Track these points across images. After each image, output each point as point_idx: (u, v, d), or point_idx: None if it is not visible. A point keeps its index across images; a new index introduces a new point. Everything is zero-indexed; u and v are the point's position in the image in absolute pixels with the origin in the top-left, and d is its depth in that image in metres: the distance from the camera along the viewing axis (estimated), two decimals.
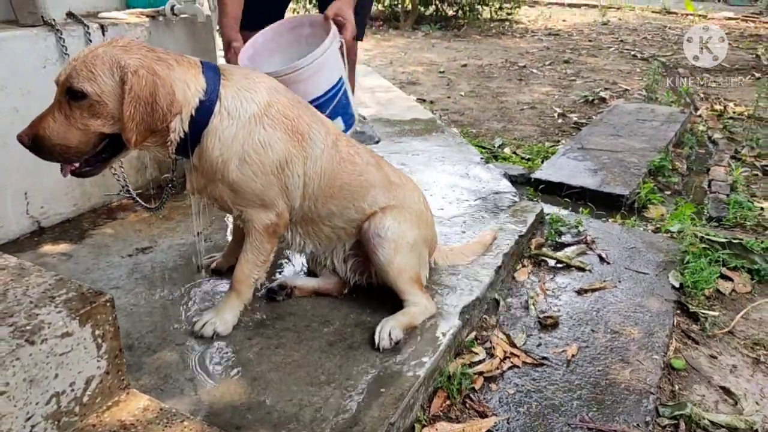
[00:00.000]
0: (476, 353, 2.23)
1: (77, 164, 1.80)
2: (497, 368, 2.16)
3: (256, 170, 1.93)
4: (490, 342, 2.29)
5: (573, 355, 2.25)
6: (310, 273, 2.47)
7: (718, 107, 6.02)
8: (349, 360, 2.00)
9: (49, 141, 1.68)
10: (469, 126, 5.43)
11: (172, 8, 2.88)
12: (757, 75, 7.89)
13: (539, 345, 2.31)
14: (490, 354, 2.23)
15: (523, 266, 2.88)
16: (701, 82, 7.59)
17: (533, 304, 2.55)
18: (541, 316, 2.47)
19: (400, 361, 2.00)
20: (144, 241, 2.72)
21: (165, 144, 1.86)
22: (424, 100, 6.19)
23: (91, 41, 2.64)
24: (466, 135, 4.96)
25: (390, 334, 2.03)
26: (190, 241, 2.69)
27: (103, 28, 2.72)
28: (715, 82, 7.65)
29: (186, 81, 1.80)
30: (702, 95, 6.65)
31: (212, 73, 1.88)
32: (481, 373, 2.13)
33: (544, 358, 2.23)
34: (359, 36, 2.99)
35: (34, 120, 1.72)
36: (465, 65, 8.10)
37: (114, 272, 2.45)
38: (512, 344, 2.29)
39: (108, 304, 1.52)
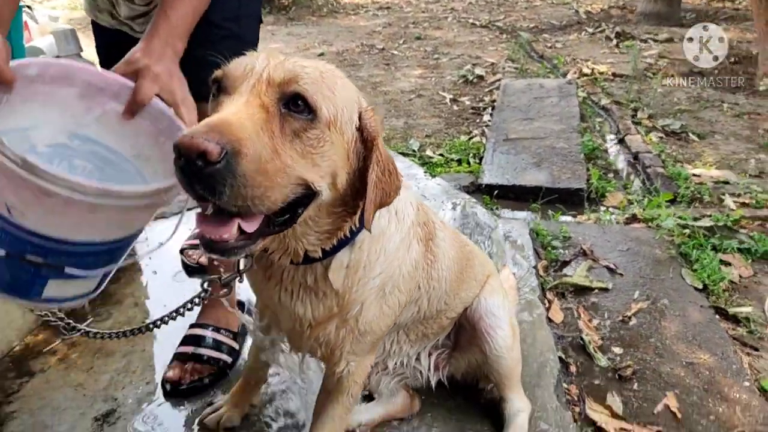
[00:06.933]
0: None
1: (244, 230, 0.98)
2: None
3: (402, 300, 1.35)
4: (593, 422, 1.95)
5: (677, 408, 1.99)
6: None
7: (585, 71, 6.24)
8: None
9: (249, 166, 0.90)
10: None
11: None
12: (590, 30, 8.44)
13: (637, 407, 2.02)
14: None
15: (550, 302, 2.57)
16: (548, 45, 7.93)
17: (594, 350, 2.26)
18: (615, 366, 2.19)
19: None
20: (97, 400, 1.90)
21: (329, 238, 1.19)
22: None
23: None
24: None
25: None
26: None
27: None
28: (558, 42, 8.04)
29: None
30: (560, 58, 6.86)
31: None
32: None
33: (653, 423, 1.95)
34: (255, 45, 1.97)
35: (217, 121, 0.92)
36: (322, 54, 7.52)
37: None
38: (616, 415, 1.97)
39: None
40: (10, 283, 1.17)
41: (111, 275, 1.35)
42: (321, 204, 1.09)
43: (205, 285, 1.46)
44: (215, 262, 2.09)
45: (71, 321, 1.42)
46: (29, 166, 1.02)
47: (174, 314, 1.55)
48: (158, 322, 1.47)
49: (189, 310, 1.54)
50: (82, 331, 1.44)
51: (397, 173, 1.15)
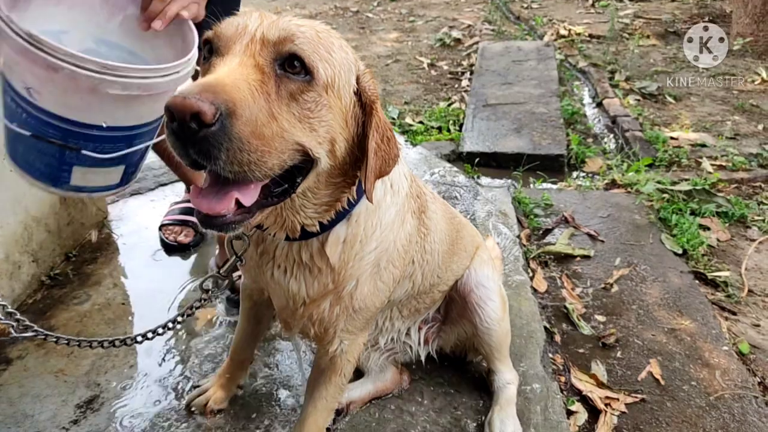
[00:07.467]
0: (576, 412, 1.90)
1: (245, 201, 0.94)
2: (613, 428, 1.86)
3: (396, 276, 1.32)
4: (579, 391, 1.98)
5: (660, 375, 2.04)
6: None
7: (563, 32, 6.18)
8: None
9: (245, 129, 0.86)
10: None
11: None
12: None
13: (621, 375, 2.06)
14: (589, 406, 1.93)
15: (533, 271, 2.58)
16: (524, 5, 7.81)
17: (578, 319, 2.28)
18: (598, 334, 2.21)
19: None
20: (79, 386, 1.86)
21: (327, 210, 1.16)
22: None
23: None
24: None
25: None
26: (149, 367, 1.91)
27: None
28: (535, 2, 7.93)
29: None
30: (537, 19, 6.77)
31: None
32: None
33: (637, 391, 1.99)
34: None
35: (210, 81, 0.87)
36: None
37: None
38: (600, 383, 2.00)
39: None
40: (43, 171, 1.35)
41: (135, 174, 1.53)
42: (320, 173, 1.06)
43: (205, 285, 1.42)
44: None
45: (24, 318, 1.34)
46: (35, 38, 1.16)
47: (171, 323, 1.45)
48: (149, 334, 1.43)
49: (189, 315, 1.47)
50: (41, 334, 1.34)
51: (395, 140, 1.12)
